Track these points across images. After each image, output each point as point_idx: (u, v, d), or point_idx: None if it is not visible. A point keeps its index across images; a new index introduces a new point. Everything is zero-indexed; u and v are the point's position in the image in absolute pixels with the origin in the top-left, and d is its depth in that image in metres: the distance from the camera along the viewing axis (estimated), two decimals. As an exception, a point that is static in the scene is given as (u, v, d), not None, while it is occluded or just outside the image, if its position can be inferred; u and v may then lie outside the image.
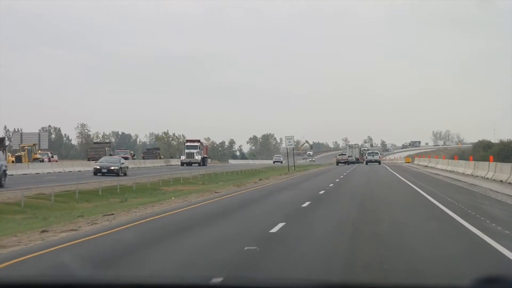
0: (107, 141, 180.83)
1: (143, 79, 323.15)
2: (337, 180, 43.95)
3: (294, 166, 75.04)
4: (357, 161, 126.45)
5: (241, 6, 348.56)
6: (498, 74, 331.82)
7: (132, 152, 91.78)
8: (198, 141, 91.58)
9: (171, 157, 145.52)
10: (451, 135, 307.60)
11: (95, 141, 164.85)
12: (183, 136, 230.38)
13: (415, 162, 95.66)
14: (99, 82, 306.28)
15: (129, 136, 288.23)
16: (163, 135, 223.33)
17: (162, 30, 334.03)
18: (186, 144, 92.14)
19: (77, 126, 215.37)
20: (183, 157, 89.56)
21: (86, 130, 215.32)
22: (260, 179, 47.56)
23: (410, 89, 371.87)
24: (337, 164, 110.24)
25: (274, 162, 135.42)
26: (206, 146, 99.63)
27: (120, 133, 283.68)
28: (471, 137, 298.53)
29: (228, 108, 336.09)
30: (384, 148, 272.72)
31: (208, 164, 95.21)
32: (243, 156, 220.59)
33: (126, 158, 77.26)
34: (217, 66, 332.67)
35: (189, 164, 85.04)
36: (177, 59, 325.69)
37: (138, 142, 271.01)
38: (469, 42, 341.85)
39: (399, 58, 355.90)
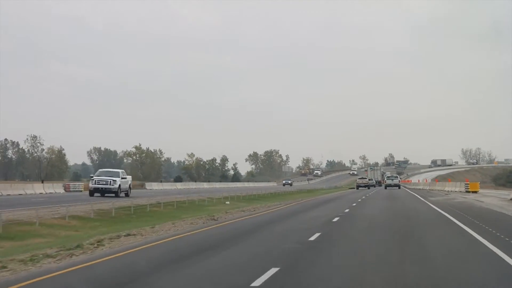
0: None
1: (130, 93, 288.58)
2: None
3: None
4: (379, 184, 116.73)
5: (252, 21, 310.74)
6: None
7: None
8: None
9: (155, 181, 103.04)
10: (482, 153, 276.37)
11: None
12: (159, 151, 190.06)
13: None
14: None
15: (114, 153, 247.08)
16: (134, 150, 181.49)
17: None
18: None
19: (27, 139, 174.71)
20: None
21: (38, 143, 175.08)
22: None
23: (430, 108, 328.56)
24: (357, 188, 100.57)
25: None
26: None
27: (102, 149, 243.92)
28: (499, 156, 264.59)
29: (230, 124, 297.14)
30: (436, 164, 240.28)
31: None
32: (234, 178, 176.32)
33: None
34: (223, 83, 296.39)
35: None
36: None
37: (125, 160, 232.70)
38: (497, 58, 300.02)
39: (424, 75, 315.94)
